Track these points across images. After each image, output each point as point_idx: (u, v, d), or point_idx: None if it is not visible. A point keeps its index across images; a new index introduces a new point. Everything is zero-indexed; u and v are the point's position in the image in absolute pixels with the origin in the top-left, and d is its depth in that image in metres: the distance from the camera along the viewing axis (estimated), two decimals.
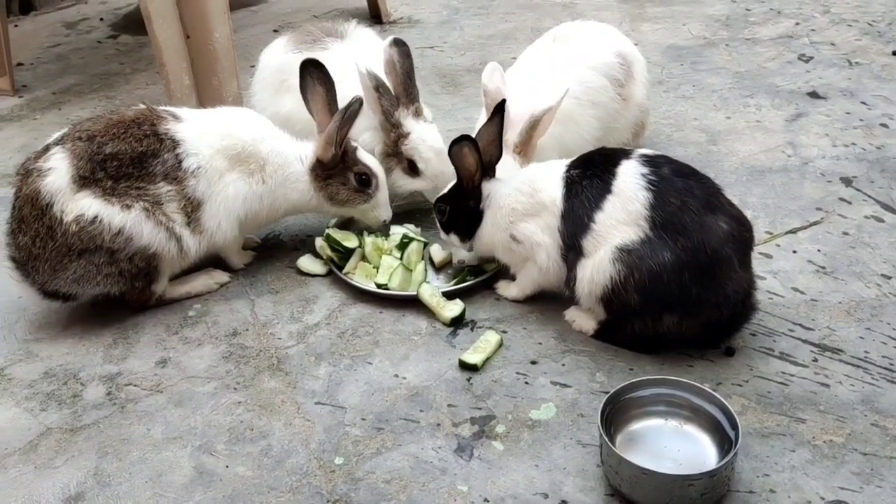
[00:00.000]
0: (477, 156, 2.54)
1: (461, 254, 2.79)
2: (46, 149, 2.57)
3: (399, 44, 2.94)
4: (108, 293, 2.65)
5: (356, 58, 2.88)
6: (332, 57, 3.03)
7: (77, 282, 2.56)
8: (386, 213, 2.91)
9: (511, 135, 2.78)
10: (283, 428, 2.25)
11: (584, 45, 3.06)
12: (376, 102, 2.87)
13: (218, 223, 2.70)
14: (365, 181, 2.82)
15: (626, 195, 2.31)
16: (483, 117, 2.88)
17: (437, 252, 2.87)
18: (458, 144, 2.51)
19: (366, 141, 2.97)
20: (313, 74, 2.76)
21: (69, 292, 2.61)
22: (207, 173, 2.66)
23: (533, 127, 2.76)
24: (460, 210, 2.65)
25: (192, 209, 2.65)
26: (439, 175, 2.91)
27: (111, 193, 2.52)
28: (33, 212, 2.49)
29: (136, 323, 2.69)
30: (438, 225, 2.74)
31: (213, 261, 2.88)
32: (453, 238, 2.71)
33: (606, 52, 3.06)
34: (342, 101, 2.93)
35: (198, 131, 2.68)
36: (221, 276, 2.85)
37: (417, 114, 2.94)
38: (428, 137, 2.93)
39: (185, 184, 2.63)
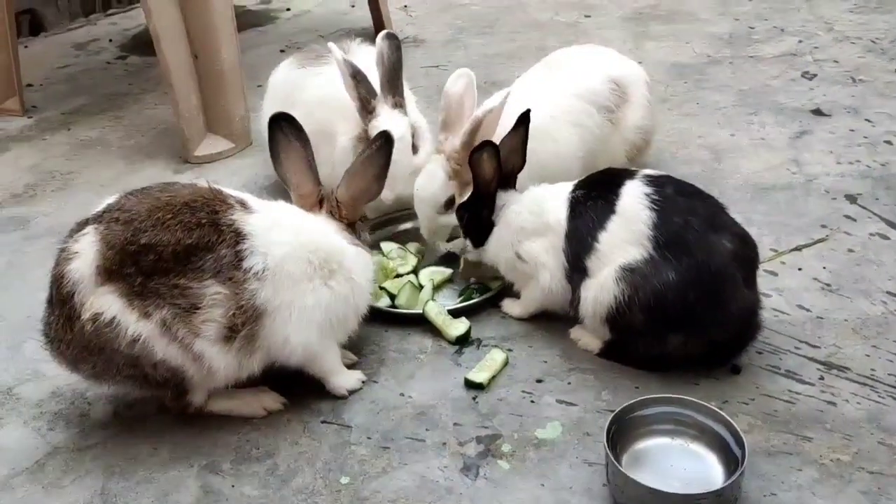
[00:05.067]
0: (496, 164, 2.52)
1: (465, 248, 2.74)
2: (84, 223, 2.18)
3: (391, 38, 2.98)
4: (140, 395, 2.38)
5: (332, 46, 2.92)
6: (334, 71, 3.07)
7: (96, 377, 2.24)
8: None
9: (452, 142, 2.73)
10: (288, 447, 2.25)
11: (573, 73, 3.04)
12: (353, 90, 2.91)
13: (285, 339, 2.25)
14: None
15: (630, 215, 2.31)
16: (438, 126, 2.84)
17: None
18: (480, 151, 2.49)
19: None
20: (286, 129, 2.39)
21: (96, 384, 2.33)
22: (277, 278, 2.20)
23: (474, 131, 2.65)
24: (475, 218, 2.65)
25: (246, 320, 2.18)
26: (396, 163, 2.69)
27: (137, 294, 2.10)
28: (58, 295, 2.16)
29: None
30: (461, 230, 2.72)
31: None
32: (468, 244, 2.70)
33: (597, 78, 3.02)
34: (347, 107, 2.93)
35: (269, 225, 2.24)
36: (272, 403, 2.38)
37: (396, 106, 2.94)
38: (394, 125, 2.85)
39: (244, 287, 2.16)
